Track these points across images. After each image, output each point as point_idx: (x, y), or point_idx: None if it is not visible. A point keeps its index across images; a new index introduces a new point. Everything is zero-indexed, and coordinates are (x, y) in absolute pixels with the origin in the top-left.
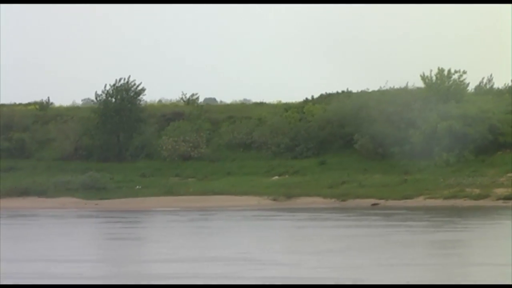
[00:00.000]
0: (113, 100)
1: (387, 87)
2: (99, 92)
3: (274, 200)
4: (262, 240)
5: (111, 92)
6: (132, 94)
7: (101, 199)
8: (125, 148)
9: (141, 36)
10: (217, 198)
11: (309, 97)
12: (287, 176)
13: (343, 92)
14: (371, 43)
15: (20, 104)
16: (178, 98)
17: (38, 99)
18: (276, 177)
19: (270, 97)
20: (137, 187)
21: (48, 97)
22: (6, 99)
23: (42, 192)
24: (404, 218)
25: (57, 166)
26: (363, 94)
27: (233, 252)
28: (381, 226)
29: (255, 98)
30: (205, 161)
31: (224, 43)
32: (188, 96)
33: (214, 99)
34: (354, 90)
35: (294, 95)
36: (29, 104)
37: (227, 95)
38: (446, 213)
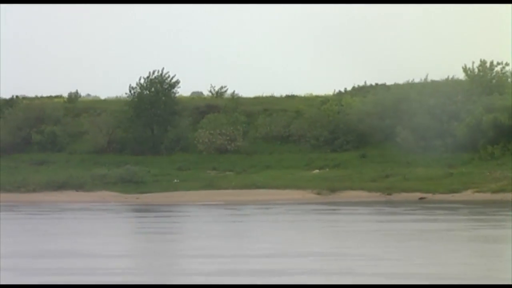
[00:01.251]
0: (147, 92)
1: (428, 79)
2: (133, 85)
3: (318, 194)
4: (350, 234)
5: (145, 84)
6: (166, 87)
7: (140, 192)
8: (159, 141)
9: (164, 29)
10: (260, 192)
11: (336, 90)
12: (327, 169)
13: (377, 84)
14: (398, 37)
15: (42, 97)
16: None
17: (56, 92)
18: (317, 170)
19: (290, 91)
20: (175, 180)
21: (77, 90)
22: (31, 92)
23: (79, 186)
24: (469, 212)
25: (90, 160)
26: (403, 86)
27: (334, 247)
28: (455, 221)
29: (276, 91)
30: (242, 154)
31: (244, 37)
32: (216, 89)
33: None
34: (387, 83)
35: (317, 88)
36: (51, 97)
37: (249, 89)
38: (508, 207)
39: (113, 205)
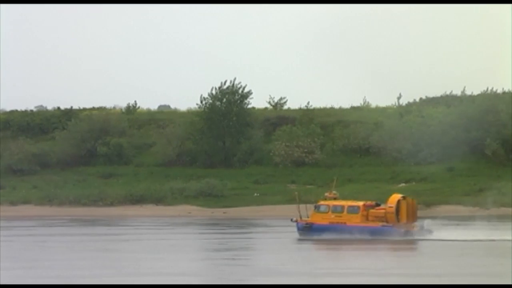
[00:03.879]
0: (219, 103)
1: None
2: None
3: None
4: None
5: (216, 95)
6: (238, 97)
7: (222, 206)
8: (232, 154)
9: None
10: None
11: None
12: (414, 183)
13: (447, 95)
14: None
15: (89, 109)
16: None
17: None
18: (403, 184)
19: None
20: (255, 194)
21: (135, 101)
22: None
23: (158, 200)
24: None
25: (160, 173)
26: (489, 96)
27: None
28: None
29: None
30: (321, 167)
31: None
32: (276, 100)
33: None
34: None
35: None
36: (101, 108)
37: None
38: None
39: (207, 220)
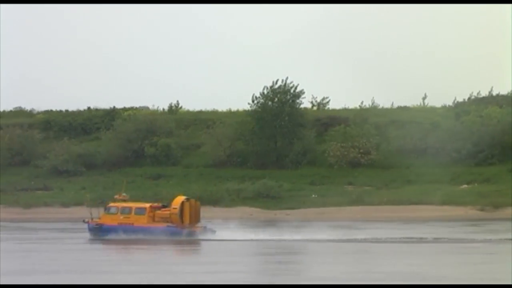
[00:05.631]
0: (271, 103)
1: None
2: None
3: (481, 210)
4: None
5: (268, 95)
6: (289, 97)
7: (282, 208)
8: (284, 154)
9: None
10: (418, 208)
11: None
12: (476, 184)
13: (497, 95)
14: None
15: (122, 108)
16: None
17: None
18: (465, 185)
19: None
20: (313, 195)
21: (178, 101)
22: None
23: (215, 201)
24: None
25: (210, 174)
26: None
27: None
28: None
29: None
30: (377, 168)
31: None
32: (318, 100)
33: None
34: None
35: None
36: (134, 108)
37: None
38: None
39: (273, 221)
